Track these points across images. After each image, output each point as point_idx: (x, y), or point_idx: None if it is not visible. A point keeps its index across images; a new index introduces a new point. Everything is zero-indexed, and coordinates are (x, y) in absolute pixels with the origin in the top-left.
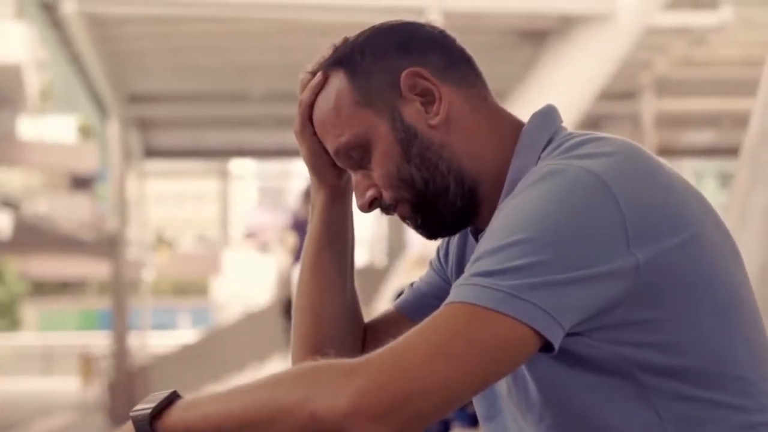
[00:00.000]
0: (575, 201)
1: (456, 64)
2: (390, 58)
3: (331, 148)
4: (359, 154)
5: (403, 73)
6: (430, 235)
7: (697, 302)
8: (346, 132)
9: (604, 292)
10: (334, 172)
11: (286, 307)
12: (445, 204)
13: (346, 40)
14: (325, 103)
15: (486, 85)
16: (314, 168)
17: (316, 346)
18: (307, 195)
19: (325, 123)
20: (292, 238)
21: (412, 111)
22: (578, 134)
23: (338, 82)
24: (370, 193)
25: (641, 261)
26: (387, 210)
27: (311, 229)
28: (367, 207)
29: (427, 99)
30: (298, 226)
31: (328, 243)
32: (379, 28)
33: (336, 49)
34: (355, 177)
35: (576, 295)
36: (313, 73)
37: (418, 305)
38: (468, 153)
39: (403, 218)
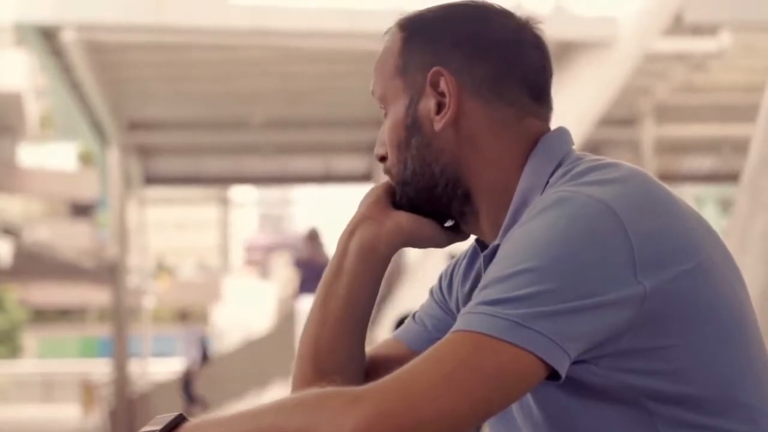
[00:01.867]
0: (583, 229)
1: (503, 79)
2: (441, 46)
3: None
4: (384, 109)
5: (432, 69)
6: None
7: (703, 330)
8: (380, 86)
9: (611, 320)
10: (366, 204)
11: (185, 382)
12: (428, 198)
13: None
14: (382, 52)
15: (535, 107)
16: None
17: (315, 374)
18: (309, 238)
19: (376, 67)
20: (294, 276)
21: (427, 106)
22: (587, 160)
23: (394, 42)
24: (379, 150)
25: (648, 289)
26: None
27: (329, 263)
28: (377, 159)
29: (443, 101)
30: (300, 265)
31: (338, 276)
32: (452, 11)
33: (411, 13)
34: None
35: (583, 323)
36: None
37: (419, 336)
38: (470, 166)
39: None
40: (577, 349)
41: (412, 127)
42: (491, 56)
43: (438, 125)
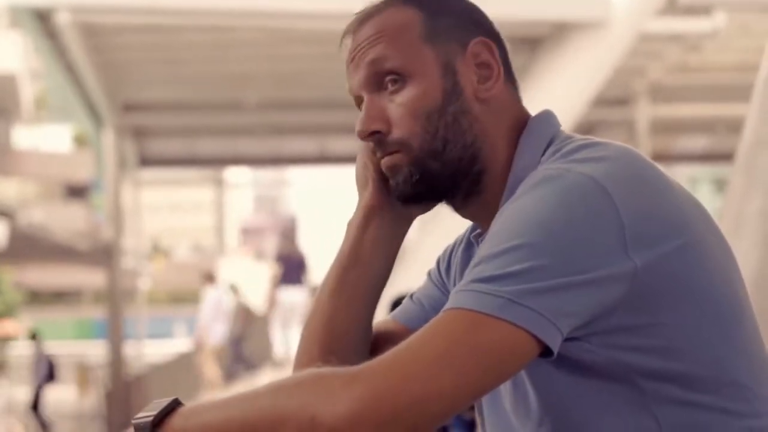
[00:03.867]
0: (574, 205)
1: (509, 63)
2: (465, 22)
3: (365, 65)
4: (394, 83)
5: (476, 39)
6: (410, 197)
7: (695, 307)
8: (397, 58)
9: (603, 296)
10: (372, 193)
11: (34, 404)
12: (448, 175)
13: None
14: (386, 21)
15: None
16: (359, 182)
17: (322, 356)
18: (283, 234)
19: (381, 37)
20: (274, 269)
21: (466, 74)
22: (578, 138)
23: (404, 15)
24: (377, 124)
25: (639, 266)
26: (382, 149)
27: (340, 248)
28: (366, 135)
29: (483, 74)
30: (279, 258)
31: (354, 264)
32: None
33: None
34: (368, 100)
35: (574, 299)
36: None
37: (416, 316)
38: (490, 140)
39: (393, 166)
40: (569, 325)
41: (453, 93)
42: (501, 40)
43: (485, 93)
